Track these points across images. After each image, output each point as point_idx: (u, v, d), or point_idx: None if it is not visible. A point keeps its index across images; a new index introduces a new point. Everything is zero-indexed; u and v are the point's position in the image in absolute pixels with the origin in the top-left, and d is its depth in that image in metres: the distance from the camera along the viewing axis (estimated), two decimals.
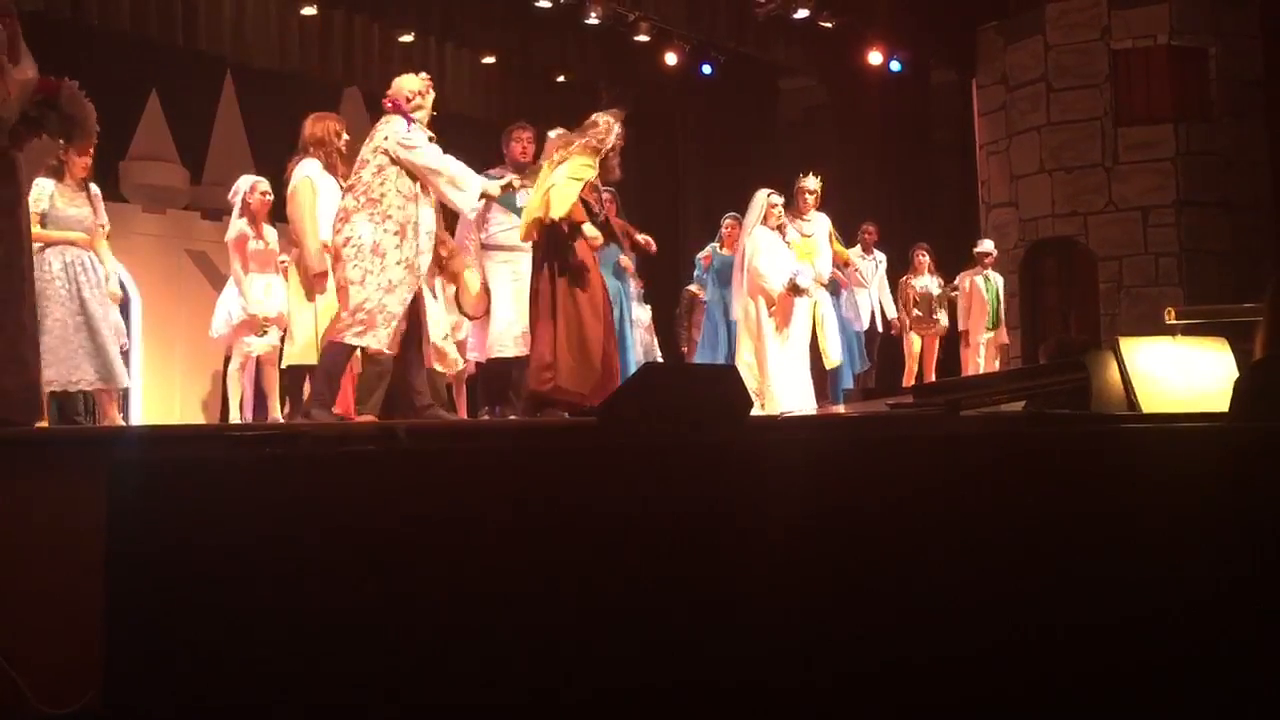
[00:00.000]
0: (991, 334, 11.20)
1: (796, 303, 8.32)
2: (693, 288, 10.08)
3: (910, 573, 2.30)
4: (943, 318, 11.27)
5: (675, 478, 2.28)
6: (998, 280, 11.27)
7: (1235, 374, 4.20)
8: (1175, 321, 7.53)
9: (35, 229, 6.76)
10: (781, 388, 7.99)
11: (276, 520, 2.09)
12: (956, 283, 11.26)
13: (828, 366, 8.79)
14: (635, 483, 2.26)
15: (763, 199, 8.46)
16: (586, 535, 2.18)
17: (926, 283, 11.18)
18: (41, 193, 6.71)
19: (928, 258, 11.20)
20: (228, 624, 2.03)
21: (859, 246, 10.77)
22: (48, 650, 3.36)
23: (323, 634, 2.06)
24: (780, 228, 8.41)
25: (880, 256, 11.02)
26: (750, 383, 6.92)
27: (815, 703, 2.22)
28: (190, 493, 2.09)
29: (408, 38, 10.93)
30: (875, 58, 12.07)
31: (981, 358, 11.11)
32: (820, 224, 8.91)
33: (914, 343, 11.15)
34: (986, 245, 11.28)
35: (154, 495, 2.06)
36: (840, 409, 8.57)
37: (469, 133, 10.96)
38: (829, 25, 11.48)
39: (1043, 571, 2.34)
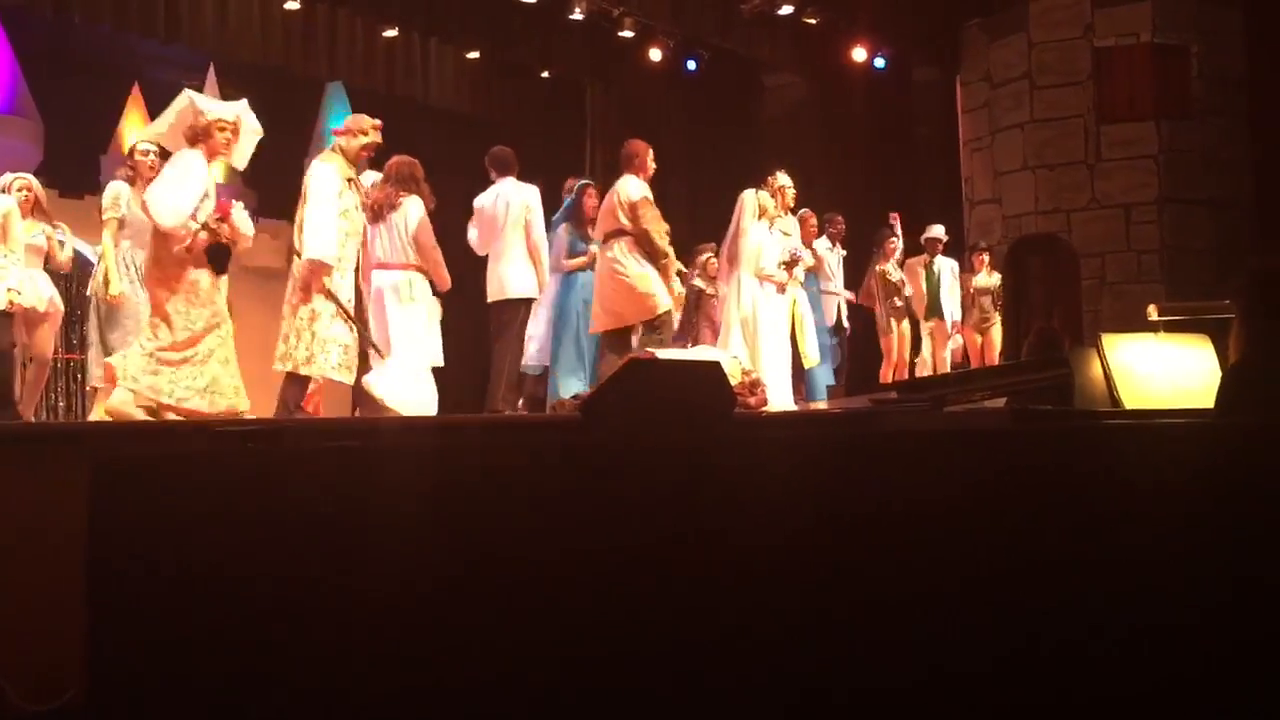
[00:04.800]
0: (933, 323, 10.97)
1: (776, 302, 8.35)
2: (698, 283, 9.82)
3: (894, 569, 2.30)
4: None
5: (659, 475, 2.28)
6: (943, 268, 11.01)
7: (1217, 370, 4.22)
8: (1157, 318, 7.56)
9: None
10: (769, 384, 8.01)
11: (259, 516, 2.08)
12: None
13: (806, 366, 8.80)
14: (618, 480, 2.26)
15: (753, 198, 8.47)
16: (569, 532, 2.18)
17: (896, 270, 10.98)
18: (119, 197, 6.76)
19: (900, 244, 10.99)
20: (210, 621, 2.02)
21: (825, 238, 10.59)
22: (29, 647, 3.35)
23: (305, 630, 2.05)
24: (771, 221, 8.47)
25: (841, 251, 10.85)
26: (737, 376, 6.92)
27: (800, 702, 2.22)
28: (172, 489, 2.08)
29: (391, 33, 10.92)
30: (859, 54, 12.09)
31: (926, 350, 10.86)
32: (794, 223, 8.93)
33: (894, 334, 10.89)
34: (935, 231, 11.02)
35: (136, 491, 2.05)
36: (821, 406, 8.60)
37: (452, 128, 10.98)
38: (813, 22, 11.50)
39: (1025, 567, 2.35)
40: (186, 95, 6.10)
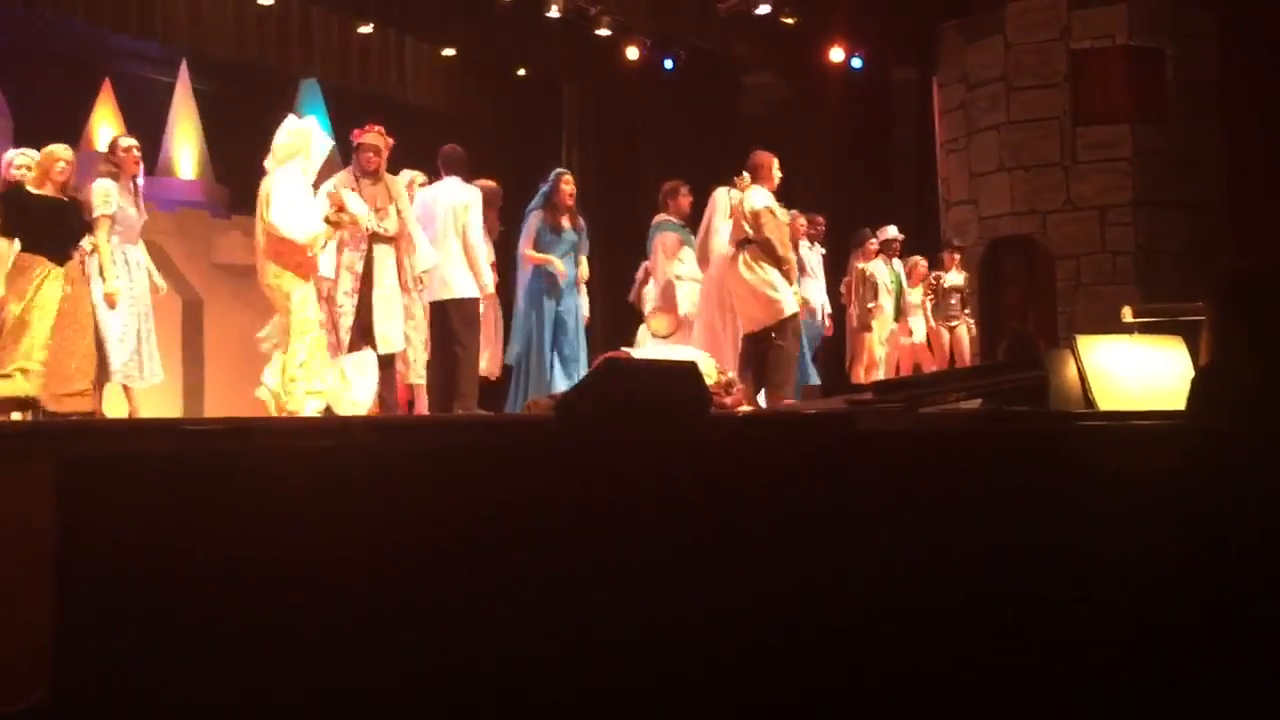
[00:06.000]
0: (895, 326, 10.97)
1: None
2: None
3: (867, 569, 2.30)
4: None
5: (634, 474, 2.27)
6: (899, 269, 11.05)
7: (1190, 371, 4.24)
8: (1132, 320, 7.60)
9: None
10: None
11: (229, 516, 2.06)
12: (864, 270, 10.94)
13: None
14: (593, 479, 2.25)
15: (725, 197, 8.48)
16: (542, 532, 2.17)
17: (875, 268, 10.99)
18: (110, 195, 6.72)
19: (877, 243, 11.01)
20: (179, 621, 2.00)
21: (805, 238, 10.58)
22: None
23: (275, 631, 2.03)
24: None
25: (821, 250, 10.85)
26: (713, 376, 6.92)
27: (771, 697, 2.22)
28: (142, 488, 2.06)
29: (367, 29, 10.86)
30: (836, 55, 12.10)
31: (880, 352, 10.78)
32: None
33: (868, 333, 10.86)
34: (891, 231, 11.05)
35: (104, 490, 2.03)
36: (796, 404, 8.60)
37: (427, 126, 10.93)
38: (790, 22, 11.50)
39: (998, 567, 2.35)
40: (292, 122, 7.09)
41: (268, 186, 6.85)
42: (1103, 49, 11.14)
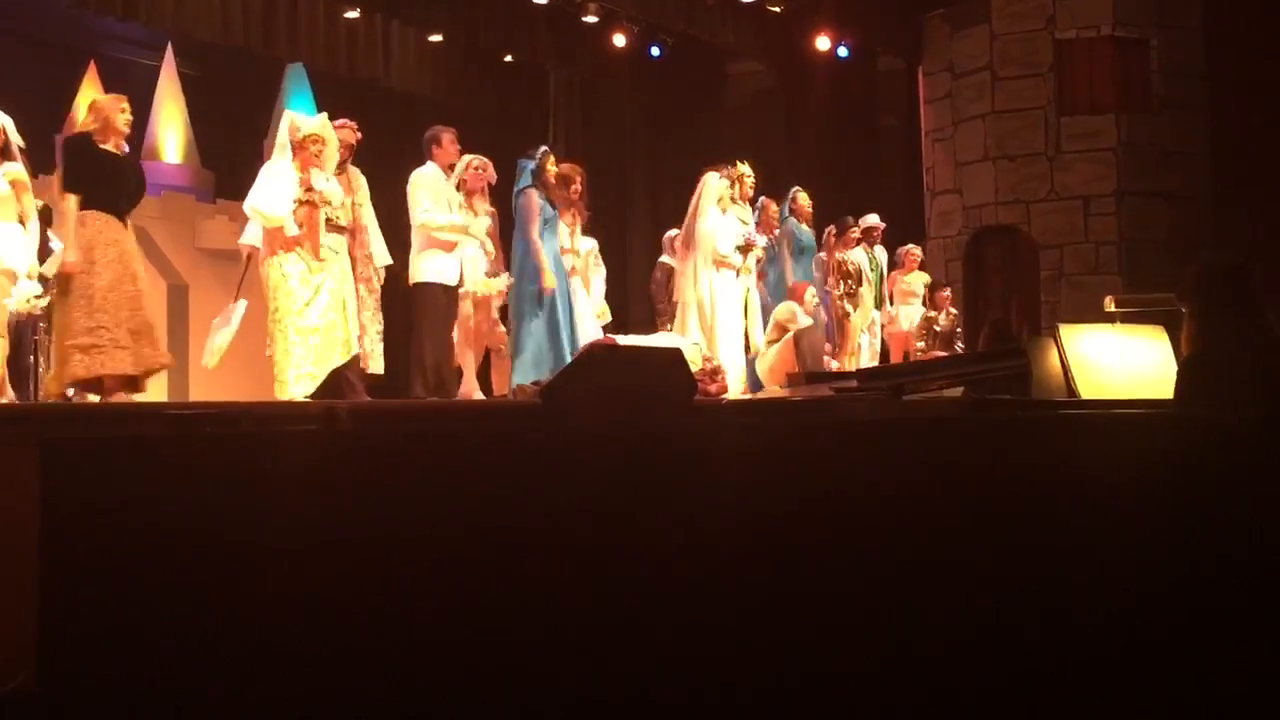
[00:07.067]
0: (879, 314, 10.92)
1: (732, 286, 8.36)
2: (668, 259, 9.71)
3: (851, 555, 2.31)
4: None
5: (619, 461, 2.28)
6: (882, 258, 10.95)
7: (1172, 361, 4.27)
8: (1114, 310, 7.63)
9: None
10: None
11: (214, 500, 2.06)
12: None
13: (754, 353, 8.82)
14: (578, 467, 2.26)
15: (715, 180, 8.46)
16: (527, 518, 2.17)
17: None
18: None
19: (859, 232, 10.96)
20: (163, 604, 2.00)
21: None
22: None
23: (258, 614, 2.04)
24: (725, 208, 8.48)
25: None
26: (698, 363, 6.93)
27: (757, 686, 2.23)
28: (126, 471, 2.06)
29: (353, 14, 10.80)
30: (823, 43, 12.09)
31: (865, 340, 10.78)
32: (748, 213, 8.94)
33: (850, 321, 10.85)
34: (872, 219, 10.93)
35: (89, 474, 2.03)
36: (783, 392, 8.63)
37: (414, 111, 10.90)
38: (777, 10, 11.49)
39: (979, 553, 2.37)
40: (287, 115, 7.14)
41: None
42: (1088, 39, 11.18)
